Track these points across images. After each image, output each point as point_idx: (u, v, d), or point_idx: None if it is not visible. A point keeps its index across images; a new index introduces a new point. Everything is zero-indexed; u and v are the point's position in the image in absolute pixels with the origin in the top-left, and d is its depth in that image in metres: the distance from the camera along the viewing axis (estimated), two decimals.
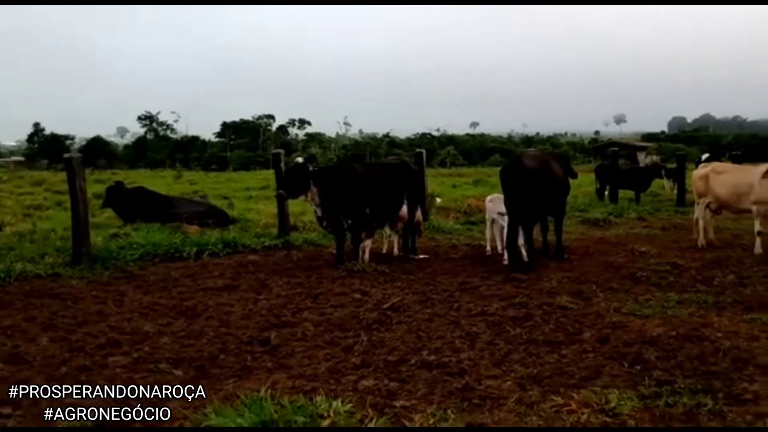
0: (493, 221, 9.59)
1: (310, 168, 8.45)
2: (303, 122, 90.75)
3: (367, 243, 9.06)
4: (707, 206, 10.04)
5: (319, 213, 8.62)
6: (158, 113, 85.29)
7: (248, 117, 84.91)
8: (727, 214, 10.81)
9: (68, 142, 78.25)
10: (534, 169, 8.83)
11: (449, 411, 4.15)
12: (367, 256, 9.01)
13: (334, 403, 4.05)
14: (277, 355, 5.43)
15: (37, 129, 77.87)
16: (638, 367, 4.88)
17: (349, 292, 7.44)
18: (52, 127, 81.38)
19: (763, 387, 4.42)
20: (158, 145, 78.20)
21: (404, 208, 9.30)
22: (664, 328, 5.78)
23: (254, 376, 4.98)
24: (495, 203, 9.50)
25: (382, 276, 8.27)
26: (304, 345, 5.62)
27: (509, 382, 4.67)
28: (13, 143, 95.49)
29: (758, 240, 9.36)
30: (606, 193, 17.05)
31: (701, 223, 10.08)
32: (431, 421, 4.02)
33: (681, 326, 5.83)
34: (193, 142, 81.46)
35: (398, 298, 6.98)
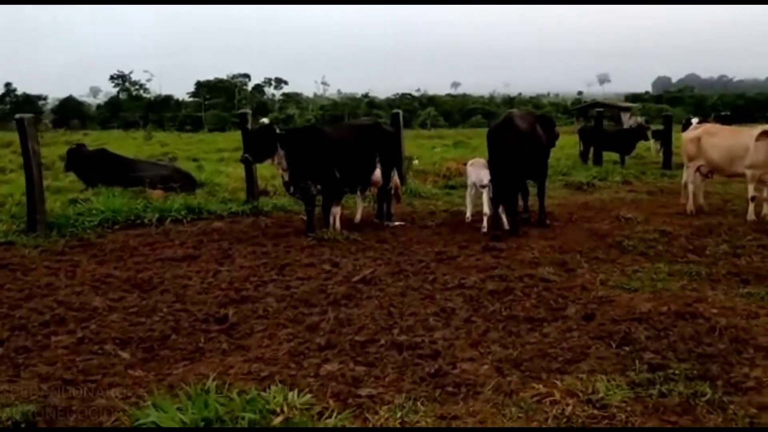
0: (474, 186, 9.09)
1: (277, 130, 7.84)
2: (279, 82, 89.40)
3: (337, 209, 8.53)
4: (698, 170, 9.61)
5: (286, 178, 8.06)
6: (131, 72, 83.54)
7: (223, 76, 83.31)
8: (715, 178, 10.40)
9: (41, 102, 76.44)
10: (526, 130, 8.33)
11: (419, 402, 3.70)
12: (338, 223, 8.49)
13: (290, 395, 3.57)
14: (235, 334, 4.94)
15: (9, 89, 75.75)
16: (627, 349, 4.45)
17: (317, 263, 6.94)
18: (24, 87, 79.33)
19: (766, 372, 4.02)
20: (131, 105, 76.61)
21: (378, 172, 8.76)
22: (654, 304, 5.37)
23: (207, 359, 4.50)
24: (476, 167, 8.99)
25: (354, 245, 7.77)
26: (265, 323, 5.13)
27: (486, 365, 4.23)
28: None
29: (752, 206, 8.96)
30: (590, 155, 16.61)
31: (691, 187, 9.66)
32: (398, 414, 3.57)
33: (672, 301, 5.42)
34: (166, 101, 79.91)
35: (370, 270, 6.50)
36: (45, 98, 78.48)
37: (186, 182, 12.26)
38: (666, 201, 10.87)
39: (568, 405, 3.61)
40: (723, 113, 18.23)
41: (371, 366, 4.26)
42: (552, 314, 5.20)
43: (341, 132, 8.66)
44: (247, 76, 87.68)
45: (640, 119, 36.45)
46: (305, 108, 78.92)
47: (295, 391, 3.66)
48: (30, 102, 72.11)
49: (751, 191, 8.92)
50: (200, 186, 12.73)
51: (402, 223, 9.15)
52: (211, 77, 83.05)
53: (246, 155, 7.76)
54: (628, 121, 38.73)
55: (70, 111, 72.53)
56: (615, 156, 16.97)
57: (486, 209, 8.57)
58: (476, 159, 9.40)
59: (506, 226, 8.44)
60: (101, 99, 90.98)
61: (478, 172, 8.82)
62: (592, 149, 16.55)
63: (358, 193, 9.21)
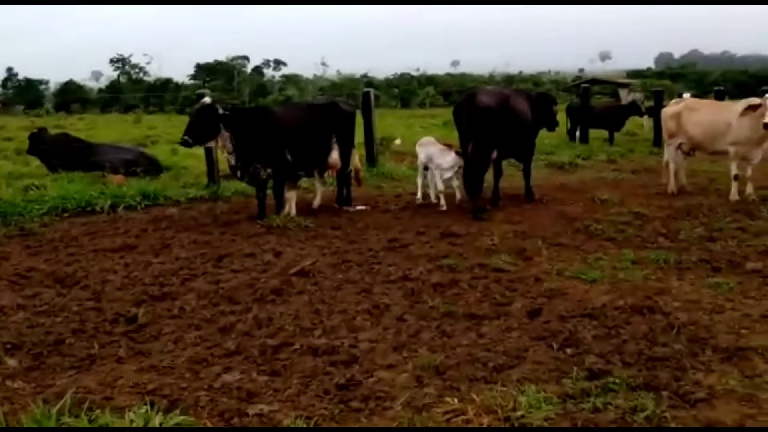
0: (426, 167, 8.58)
1: (220, 110, 7.28)
2: (278, 63, 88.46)
3: (291, 194, 8.01)
4: (679, 147, 9.03)
5: (233, 161, 7.51)
6: (130, 56, 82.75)
7: (222, 58, 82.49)
8: (703, 156, 9.82)
9: (42, 86, 75.77)
10: (489, 106, 7.77)
11: (314, 421, 3.21)
12: (292, 209, 7.98)
13: (156, 418, 3.08)
14: (139, 338, 4.45)
15: (11, 74, 75.04)
16: (569, 351, 3.94)
17: (259, 252, 6.44)
18: (26, 71, 78.70)
19: (721, 380, 3.51)
20: (131, 89, 75.92)
21: (335, 155, 8.22)
22: (611, 297, 4.86)
23: (98, 367, 4.01)
24: (426, 147, 8.47)
25: (305, 232, 7.26)
26: (177, 324, 4.64)
27: (406, 374, 3.72)
28: None
29: (734, 185, 8.41)
30: (578, 133, 16.02)
31: (672, 166, 9.10)
32: None
33: (631, 294, 4.91)
34: (166, 84, 79.20)
35: (311, 261, 5.98)
36: (47, 83, 77.67)
37: (151, 167, 11.78)
38: (648, 180, 10.32)
39: (482, 424, 3.11)
40: (716, 87, 17.52)
41: (275, 375, 3.77)
42: (495, 310, 4.69)
43: (293, 112, 8.09)
44: (246, 57, 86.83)
45: (639, 95, 35.69)
46: (305, 89, 78.13)
47: (157, 417, 3.13)
48: (32, 86, 71.64)
49: (733, 170, 8.37)
50: (167, 170, 12.25)
51: (364, 207, 8.64)
52: (210, 59, 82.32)
53: (185, 137, 7.20)
54: (626, 97, 37.93)
55: (71, 95, 71.92)
56: (606, 133, 16.39)
57: (433, 189, 8.35)
58: (426, 138, 8.88)
59: (443, 205, 8.23)
60: (103, 83, 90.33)
61: (428, 151, 8.36)
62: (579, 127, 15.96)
63: (316, 176, 8.68)
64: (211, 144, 7.46)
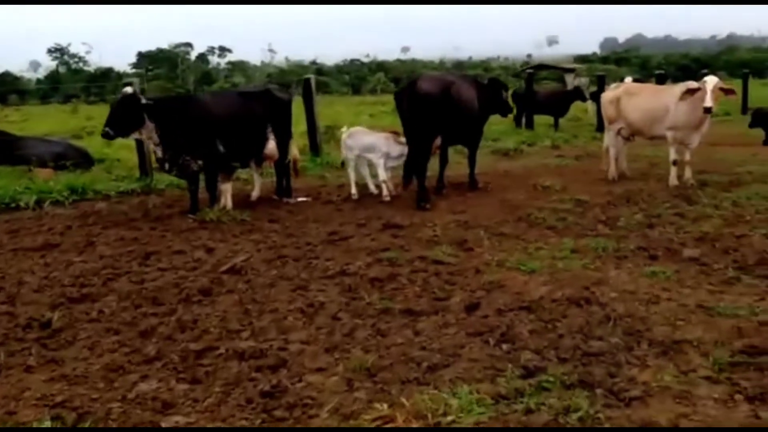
0: (358, 158, 8.34)
1: (143, 99, 6.90)
2: (224, 50, 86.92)
3: (227, 186, 7.72)
4: (618, 133, 9.05)
5: (159, 154, 7.15)
6: (68, 45, 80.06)
7: (164, 45, 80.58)
8: (646, 141, 9.88)
9: None
10: (430, 93, 7.59)
11: None
12: (228, 202, 7.68)
13: None
14: (52, 344, 4.14)
15: None
16: (505, 347, 3.82)
17: (189, 249, 6.15)
18: None
19: (657, 375, 3.43)
20: (71, 79, 73.39)
21: (271, 144, 7.93)
22: (549, 288, 4.76)
23: (3, 378, 3.71)
24: (354, 138, 8.24)
25: (240, 226, 6.99)
26: (94, 328, 4.34)
27: (336, 377, 3.54)
28: None
29: (673, 170, 8.47)
30: (524, 119, 16.05)
31: (612, 151, 9.12)
32: None
33: (570, 284, 4.82)
34: (107, 74, 76.87)
35: (244, 257, 5.73)
36: None
37: (82, 159, 11.24)
38: (591, 166, 10.34)
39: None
40: (658, 71, 17.76)
41: (196, 383, 3.54)
42: (433, 305, 4.54)
43: (223, 101, 7.73)
44: (190, 45, 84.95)
45: (584, 80, 36.11)
46: (252, 76, 76.82)
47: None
48: None
49: (672, 155, 8.42)
50: (100, 162, 11.73)
51: (305, 198, 8.39)
52: (152, 47, 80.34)
53: (106, 128, 6.81)
54: (572, 82, 38.36)
55: (7, 86, 69.03)
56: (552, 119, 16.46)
57: (371, 179, 8.27)
58: (355, 128, 8.65)
59: (387, 194, 8.11)
60: (42, 73, 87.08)
61: (357, 142, 8.15)
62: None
63: (254, 167, 8.39)
64: (136, 136, 7.07)
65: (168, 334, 4.19)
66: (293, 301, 4.70)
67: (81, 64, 79.40)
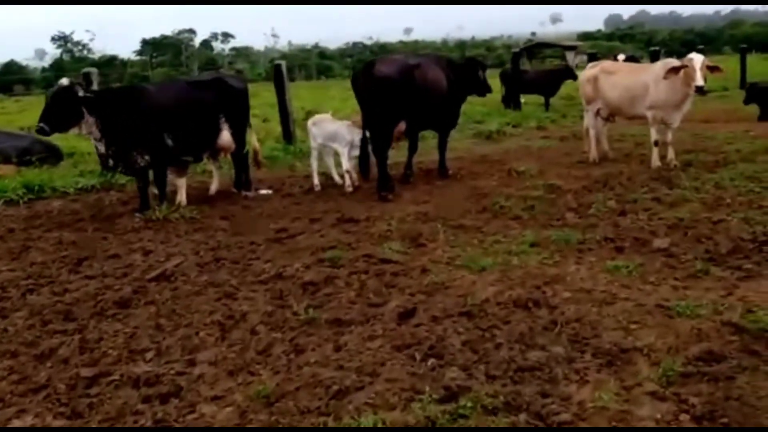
0: (322, 147, 7.91)
1: (80, 92, 6.47)
2: (227, 36, 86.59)
3: (181, 182, 7.31)
4: (597, 113, 8.54)
5: (102, 149, 6.73)
6: (72, 33, 79.97)
7: (168, 32, 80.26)
8: (628, 120, 9.36)
9: None
10: (387, 76, 7.11)
11: None
12: (182, 197, 7.28)
13: None
14: None
15: None
16: (431, 363, 3.39)
17: (126, 252, 5.74)
18: None
19: (596, 392, 3.00)
20: (75, 67, 73.16)
21: (225, 135, 7.49)
22: (498, 288, 4.33)
23: None
24: (325, 125, 7.81)
25: (189, 225, 6.58)
26: None
27: (231, 407, 3.13)
28: None
29: (655, 151, 7.96)
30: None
31: (592, 132, 8.63)
32: None
33: (521, 283, 4.39)
34: (111, 61, 76.64)
35: (177, 261, 5.32)
36: None
37: (49, 154, 10.84)
38: (574, 148, 9.83)
39: None
40: (652, 48, 17.09)
41: (76, 418, 3.14)
42: (365, 313, 4.11)
43: (170, 91, 7.26)
44: (193, 31, 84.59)
45: (585, 58, 35.39)
46: (256, 62, 76.33)
47: None
48: None
49: (653, 135, 7.91)
50: (71, 156, 11.35)
51: (267, 191, 7.95)
52: (156, 34, 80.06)
53: (41, 124, 6.39)
54: (573, 60, 37.63)
55: (12, 76, 68.85)
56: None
57: (335, 169, 7.93)
58: (320, 116, 8.20)
59: (350, 185, 7.71)
60: (47, 62, 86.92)
61: (322, 131, 7.71)
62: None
63: (210, 161, 7.96)
64: (75, 131, 6.64)
65: (66, 356, 3.78)
66: (214, 312, 4.28)
67: (85, 52, 79.32)
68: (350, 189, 7.63)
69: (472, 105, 13.63)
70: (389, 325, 3.91)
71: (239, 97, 7.58)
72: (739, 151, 8.50)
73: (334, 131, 7.72)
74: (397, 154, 8.64)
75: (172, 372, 3.49)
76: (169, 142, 6.89)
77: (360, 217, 6.40)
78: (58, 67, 74.96)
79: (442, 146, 8.37)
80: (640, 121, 9.41)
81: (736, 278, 4.31)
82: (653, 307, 3.89)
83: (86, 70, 9.56)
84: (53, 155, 10.89)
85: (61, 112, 6.37)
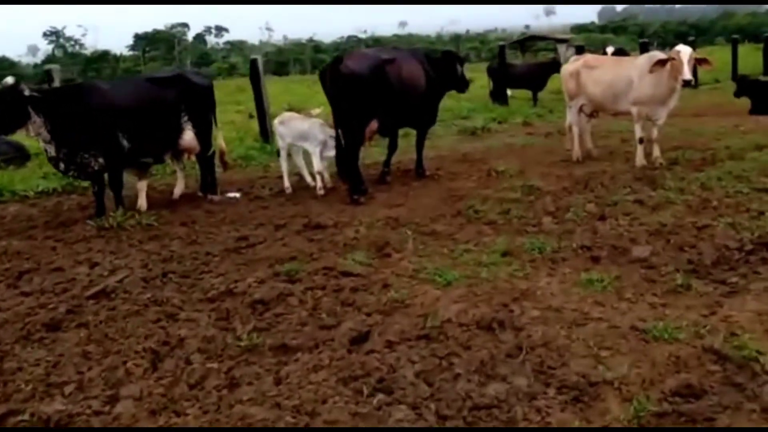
0: (292, 147, 7.53)
1: (26, 91, 6.06)
2: (220, 30, 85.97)
3: (142, 185, 6.93)
4: (581, 109, 8.17)
5: (52, 152, 6.31)
6: (64, 28, 79.36)
7: (160, 26, 79.72)
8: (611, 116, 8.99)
9: None
10: (355, 72, 6.72)
11: None
12: (143, 201, 6.90)
13: None
14: None
15: None
16: (378, 401, 3.03)
17: (72, 265, 5.35)
18: None
19: None
20: (68, 62, 72.60)
21: (188, 135, 7.09)
22: (462, 306, 3.96)
23: None
24: (287, 126, 7.42)
25: (144, 233, 6.17)
26: None
27: None
28: None
29: (640, 149, 7.60)
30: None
31: (575, 130, 8.26)
32: None
33: (486, 301, 4.03)
34: (104, 56, 76.05)
35: (122, 276, 4.93)
36: None
37: (16, 154, 10.46)
38: (558, 145, 9.43)
39: None
40: (642, 40, 16.72)
41: None
42: (315, 337, 3.74)
43: (125, 88, 6.84)
44: (186, 25, 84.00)
45: (572, 51, 34.90)
46: (249, 56, 75.85)
47: None
48: None
49: (638, 132, 7.55)
50: (37, 156, 10.94)
51: (235, 194, 7.57)
52: (148, 29, 79.44)
53: None
54: (565, 53, 37.08)
55: (3, 72, 68.24)
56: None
57: (306, 169, 7.63)
58: (287, 114, 7.81)
59: (322, 186, 7.33)
60: (40, 57, 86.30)
61: (291, 130, 7.33)
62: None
63: (174, 162, 7.57)
64: (22, 132, 6.24)
65: None
66: (150, 336, 3.90)
67: (77, 48, 78.70)
68: (322, 192, 7.25)
69: (458, 100, 13.28)
70: (338, 352, 3.53)
71: (203, 95, 7.17)
72: (728, 148, 8.14)
73: (304, 130, 7.34)
74: (381, 153, 8.26)
75: (88, 411, 3.11)
76: (125, 143, 6.49)
77: (328, 223, 6.02)
78: (50, 63, 74.41)
79: (419, 145, 8.00)
80: (626, 117, 9.06)
81: (719, 294, 3.96)
82: (628, 330, 3.53)
83: (48, 66, 9.13)
84: (20, 156, 10.51)
85: (6, 112, 5.96)
